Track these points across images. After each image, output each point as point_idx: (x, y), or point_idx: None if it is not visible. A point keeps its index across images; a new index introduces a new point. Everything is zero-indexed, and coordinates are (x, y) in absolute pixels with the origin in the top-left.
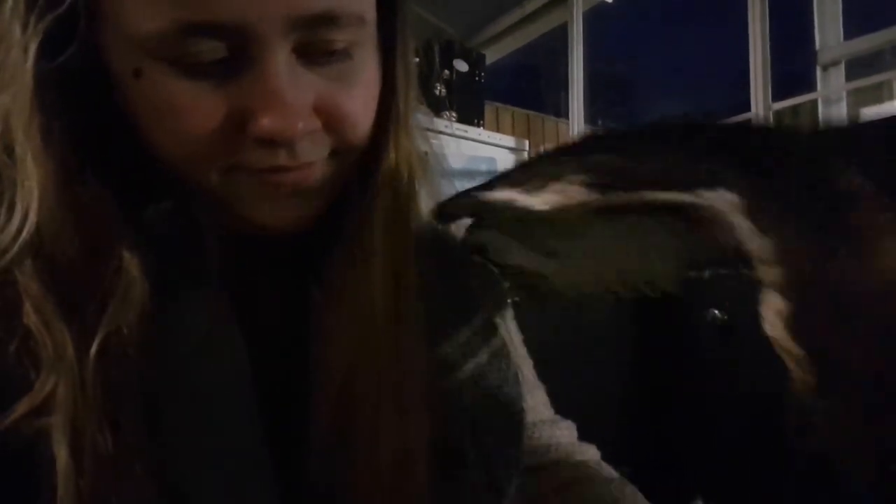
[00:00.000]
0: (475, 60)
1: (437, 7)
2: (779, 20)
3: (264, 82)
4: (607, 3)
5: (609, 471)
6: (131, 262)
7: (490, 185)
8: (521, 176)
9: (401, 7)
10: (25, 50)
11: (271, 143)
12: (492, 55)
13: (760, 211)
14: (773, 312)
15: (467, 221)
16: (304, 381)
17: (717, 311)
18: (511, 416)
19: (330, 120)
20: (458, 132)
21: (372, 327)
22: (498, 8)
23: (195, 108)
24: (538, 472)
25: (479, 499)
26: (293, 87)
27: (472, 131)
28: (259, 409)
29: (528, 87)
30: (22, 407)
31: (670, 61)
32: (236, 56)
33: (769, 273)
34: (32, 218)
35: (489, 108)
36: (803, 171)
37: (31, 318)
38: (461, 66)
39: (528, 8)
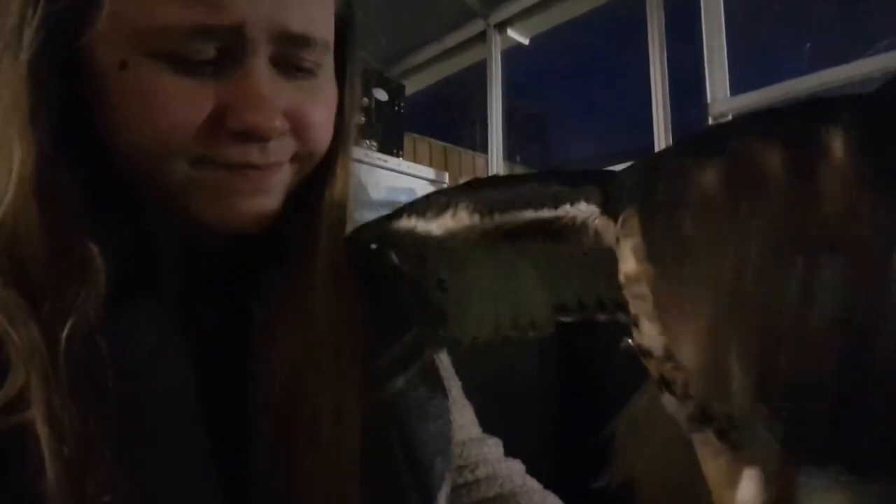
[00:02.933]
0: (395, 90)
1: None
2: (675, 74)
3: (250, 81)
4: (523, 44)
5: (533, 483)
6: (96, 254)
7: (397, 213)
8: (422, 206)
9: (352, 43)
10: (23, 36)
11: (248, 136)
12: (411, 86)
13: (613, 207)
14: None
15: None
16: (248, 391)
17: (630, 340)
18: (439, 426)
19: (297, 126)
20: (377, 161)
21: (311, 339)
22: (417, 41)
23: (180, 102)
24: (468, 488)
25: (408, 502)
26: (272, 88)
27: (392, 161)
28: (203, 417)
29: (445, 119)
30: None
31: (582, 103)
32: (223, 58)
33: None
34: (4, 206)
35: (407, 139)
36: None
37: None
38: (381, 95)
39: (448, 43)
